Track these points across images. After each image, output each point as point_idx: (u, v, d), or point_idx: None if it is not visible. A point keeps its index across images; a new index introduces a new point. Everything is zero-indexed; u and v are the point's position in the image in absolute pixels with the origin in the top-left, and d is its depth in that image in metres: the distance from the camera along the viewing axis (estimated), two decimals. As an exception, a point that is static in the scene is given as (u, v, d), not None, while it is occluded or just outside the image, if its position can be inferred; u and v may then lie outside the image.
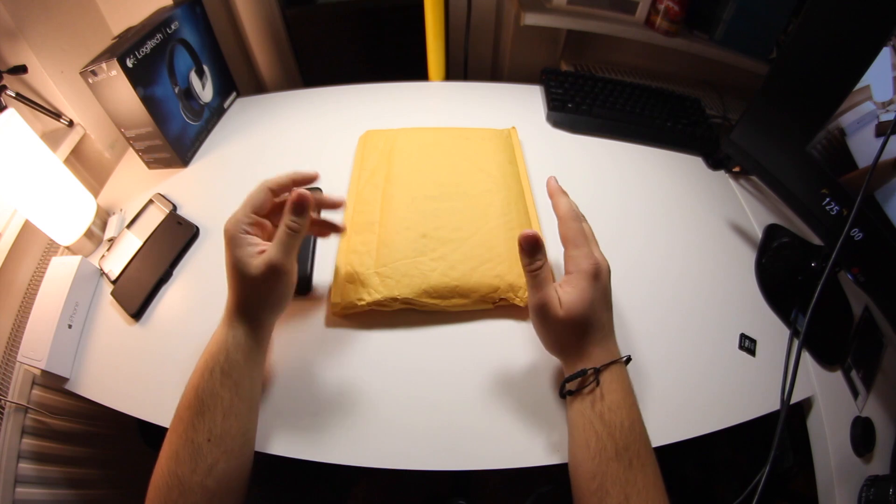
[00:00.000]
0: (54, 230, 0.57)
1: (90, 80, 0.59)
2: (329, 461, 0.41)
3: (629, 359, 0.40)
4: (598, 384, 0.37)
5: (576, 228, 0.41)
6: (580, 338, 0.39)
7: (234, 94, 0.85)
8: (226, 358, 0.38)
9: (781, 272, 0.58)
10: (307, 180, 0.44)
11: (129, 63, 0.59)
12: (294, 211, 0.40)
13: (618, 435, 0.35)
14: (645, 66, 0.96)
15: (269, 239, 0.44)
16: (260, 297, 0.40)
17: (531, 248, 0.39)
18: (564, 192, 0.44)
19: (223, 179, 0.69)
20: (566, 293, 0.39)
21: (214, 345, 0.39)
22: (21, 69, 0.62)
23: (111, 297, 0.54)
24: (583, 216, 0.44)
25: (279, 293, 0.41)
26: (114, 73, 0.58)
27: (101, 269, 0.57)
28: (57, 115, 0.69)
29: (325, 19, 0.96)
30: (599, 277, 0.39)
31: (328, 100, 0.83)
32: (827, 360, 0.50)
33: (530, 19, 0.83)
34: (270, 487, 0.54)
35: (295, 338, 0.49)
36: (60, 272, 0.53)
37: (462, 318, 0.51)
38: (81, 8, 0.71)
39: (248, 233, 0.40)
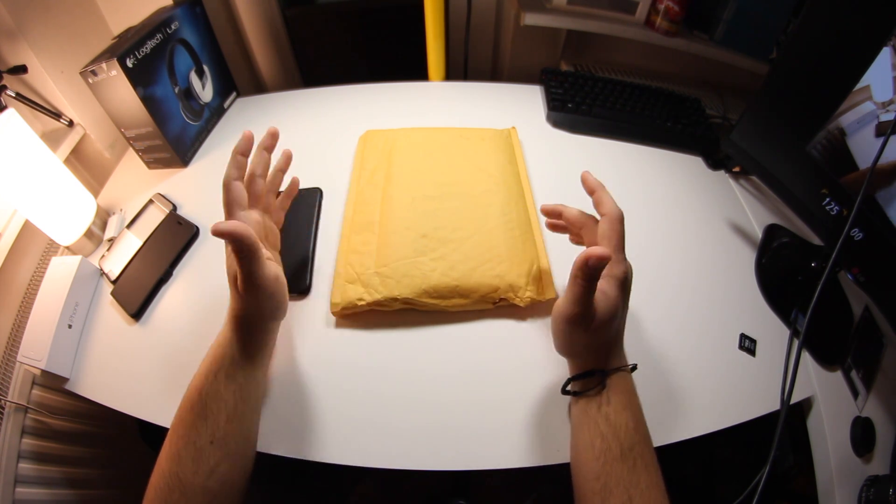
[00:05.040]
0: (54, 230, 0.57)
1: (90, 80, 0.59)
2: (329, 461, 0.41)
3: (635, 367, 0.40)
4: (604, 388, 0.37)
5: (620, 232, 0.38)
6: (599, 343, 0.38)
7: (234, 94, 0.85)
8: (231, 362, 0.38)
9: (781, 272, 0.58)
10: (246, 144, 0.43)
11: (129, 63, 0.59)
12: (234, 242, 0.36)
13: (622, 436, 0.35)
14: (645, 66, 0.96)
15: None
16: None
17: (594, 272, 0.33)
18: (603, 186, 0.40)
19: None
20: (599, 301, 0.36)
21: (218, 347, 0.39)
22: (21, 69, 0.62)
23: (111, 297, 0.54)
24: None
25: (277, 300, 0.40)
26: (114, 73, 0.58)
27: (101, 269, 0.57)
28: (57, 115, 0.69)
29: (325, 19, 0.96)
30: (626, 285, 0.38)
31: (328, 100, 0.83)
32: (827, 360, 0.50)
33: (530, 19, 0.83)
34: (270, 487, 0.54)
35: (295, 338, 0.49)
36: (60, 272, 0.53)
37: (462, 318, 0.51)
38: (81, 8, 0.71)
39: None
